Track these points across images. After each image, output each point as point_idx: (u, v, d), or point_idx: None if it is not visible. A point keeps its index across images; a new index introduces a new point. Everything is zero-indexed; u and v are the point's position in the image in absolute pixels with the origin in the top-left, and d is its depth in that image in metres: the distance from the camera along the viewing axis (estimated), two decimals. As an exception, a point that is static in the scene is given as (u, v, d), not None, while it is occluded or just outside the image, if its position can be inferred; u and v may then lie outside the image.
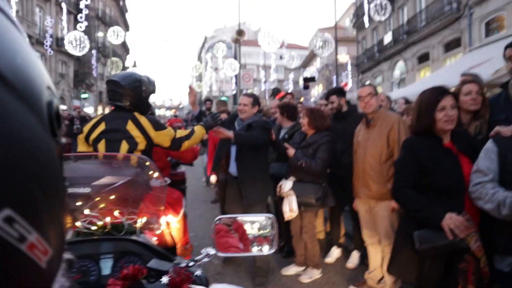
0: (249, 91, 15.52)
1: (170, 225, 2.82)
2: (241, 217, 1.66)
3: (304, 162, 3.78)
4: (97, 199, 1.66)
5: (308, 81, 5.97)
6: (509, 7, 13.09)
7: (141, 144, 2.76)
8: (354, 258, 4.48)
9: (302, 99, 6.30)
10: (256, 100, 4.03)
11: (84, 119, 13.86)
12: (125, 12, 49.06)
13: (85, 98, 30.33)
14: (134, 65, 40.46)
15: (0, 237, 0.28)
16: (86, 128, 2.87)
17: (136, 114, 2.84)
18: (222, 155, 4.13)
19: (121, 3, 45.02)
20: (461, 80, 3.54)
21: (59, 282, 0.38)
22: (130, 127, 2.76)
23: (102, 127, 2.80)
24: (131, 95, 2.83)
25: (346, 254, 4.68)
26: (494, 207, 2.10)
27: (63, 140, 0.40)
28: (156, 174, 1.80)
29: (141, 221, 1.63)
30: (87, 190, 1.68)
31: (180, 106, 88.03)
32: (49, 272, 0.35)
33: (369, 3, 16.95)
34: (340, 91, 4.61)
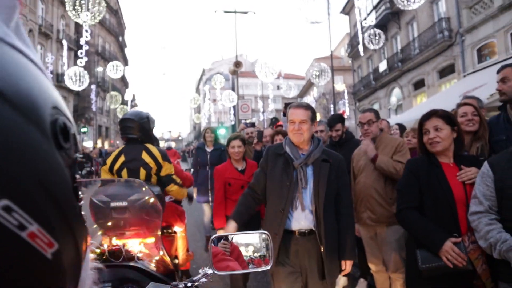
0: (247, 121, 15.52)
1: (177, 234, 3.52)
2: (236, 236, 1.67)
3: None
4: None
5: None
6: (498, 34, 13.44)
7: (154, 168, 3.36)
8: (361, 286, 4.36)
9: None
10: (314, 114, 2.69)
11: (88, 156, 14.41)
12: (124, 47, 50.13)
13: (84, 132, 30.49)
14: (133, 99, 40.91)
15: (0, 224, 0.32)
16: (108, 161, 3.41)
17: (148, 145, 3.43)
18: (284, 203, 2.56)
19: (120, 39, 46.07)
20: (457, 103, 3.58)
21: None
22: (144, 155, 3.35)
23: (122, 158, 3.36)
24: (141, 129, 3.42)
25: (352, 282, 4.55)
26: (487, 246, 2.07)
27: (76, 154, 0.47)
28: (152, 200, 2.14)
29: (139, 247, 1.60)
30: (124, 203, 2.24)
31: (179, 138, 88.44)
32: (56, 264, 0.38)
33: (363, 33, 17.42)
34: (343, 119, 4.60)
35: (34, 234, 0.34)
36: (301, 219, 2.53)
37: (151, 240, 2.01)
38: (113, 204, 2.25)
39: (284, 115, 5.43)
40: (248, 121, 14.79)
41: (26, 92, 0.38)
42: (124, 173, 3.31)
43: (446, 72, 17.17)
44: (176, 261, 3.23)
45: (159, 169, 3.37)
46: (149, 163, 3.33)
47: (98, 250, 1.56)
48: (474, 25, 14.49)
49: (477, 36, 14.56)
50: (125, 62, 49.41)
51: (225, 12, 21.16)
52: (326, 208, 2.50)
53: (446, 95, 12.86)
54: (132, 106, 41.98)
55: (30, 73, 0.41)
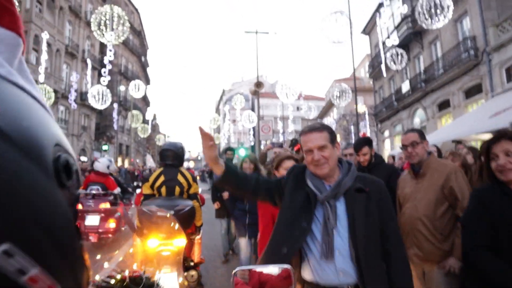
0: (267, 142, 15.29)
1: (195, 240, 4.41)
2: (258, 268, 1.64)
3: None
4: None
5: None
6: (528, 52, 12.98)
7: (185, 187, 4.35)
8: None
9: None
10: (333, 133, 2.04)
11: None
12: (146, 67, 51.28)
13: (105, 150, 30.90)
14: (154, 118, 41.45)
15: None
16: (151, 179, 4.35)
17: (182, 169, 4.46)
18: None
19: (142, 59, 47.17)
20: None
21: None
22: (179, 177, 4.36)
23: (162, 178, 4.32)
24: (177, 157, 4.47)
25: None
26: None
27: (77, 191, 0.45)
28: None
29: (159, 275, 1.69)
30: (171, 212, 3.05)
31: (199, 158, 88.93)
32: None
33: (385, 52, 17.21)
34: (370, 142, 4.22)
35: (34, 279, 0.33)
36: (340, 271, 1.85)
37: (180, 242, 2.77)
38: (159, 213, 2.86)
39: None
40: (267, 142, 14.62)
41: (28, 131, 0.38)
42: (163, 189, 4.26)
43: (472, 92, 16.68)
44: (192, 263, 3.63)
45: (189, 188, 4.36)
46: (182, 183, 4.32)
47: (119, 277, 1.58)
48: (502, 43, 14.10)
49: (506, 54, 14.14)
50: (147, 81, 50.43)
51: (246, 32, 21.35)
52: (369, 252, 1.83)
53: (474, 116, 12.41)
54: (153, 125, 42.50)
55: (33, 111, 0.41)
